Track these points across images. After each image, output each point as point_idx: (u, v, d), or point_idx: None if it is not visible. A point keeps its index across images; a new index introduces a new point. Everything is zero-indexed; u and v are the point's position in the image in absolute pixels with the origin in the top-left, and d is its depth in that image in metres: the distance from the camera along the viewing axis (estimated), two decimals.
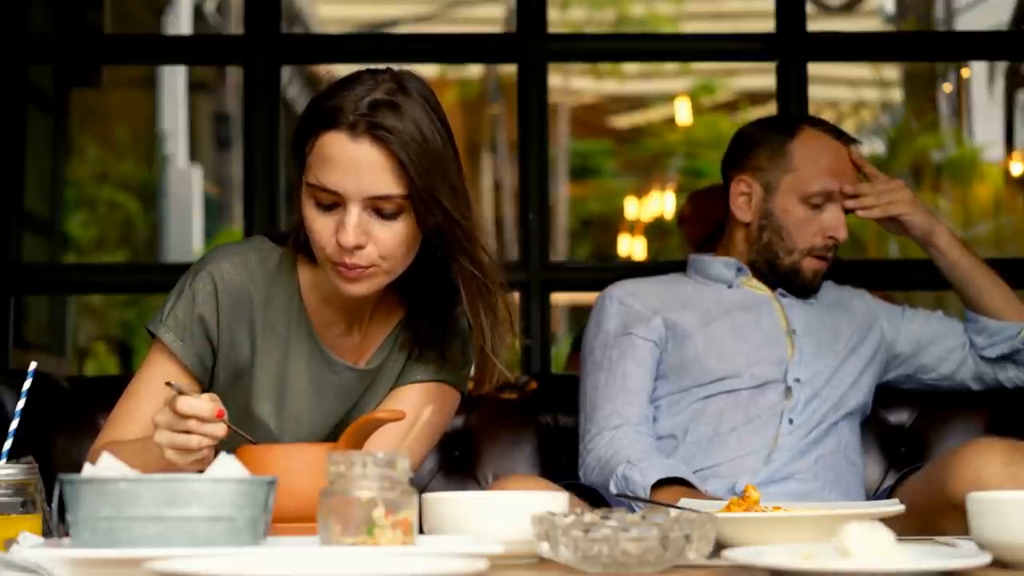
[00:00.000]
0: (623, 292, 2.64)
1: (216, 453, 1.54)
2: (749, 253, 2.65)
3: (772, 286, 2.65)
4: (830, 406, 2.56)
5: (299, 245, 2.00)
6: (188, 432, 1.71)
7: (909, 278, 3.60)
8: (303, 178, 1.91)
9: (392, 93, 1.86)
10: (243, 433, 1.81)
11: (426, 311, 2.02)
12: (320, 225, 1.89)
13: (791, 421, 2.52)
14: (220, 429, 1.72)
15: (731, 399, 2.54)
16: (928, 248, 2.68)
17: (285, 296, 2.02)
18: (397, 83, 1.88)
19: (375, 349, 2.05)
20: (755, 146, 2.67)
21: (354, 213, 1.85)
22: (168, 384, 1.77)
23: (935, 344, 2.71)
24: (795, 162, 2.61)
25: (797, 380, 2.55)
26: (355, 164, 1.85)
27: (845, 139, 2.66)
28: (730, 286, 2.65)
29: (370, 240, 1.87)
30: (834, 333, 2.63)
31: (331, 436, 2.03)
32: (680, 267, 2.77)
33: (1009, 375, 2.69)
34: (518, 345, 2.08)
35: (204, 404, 1.71)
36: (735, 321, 2.60)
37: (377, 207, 1.86)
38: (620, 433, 2.48)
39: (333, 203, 1.87)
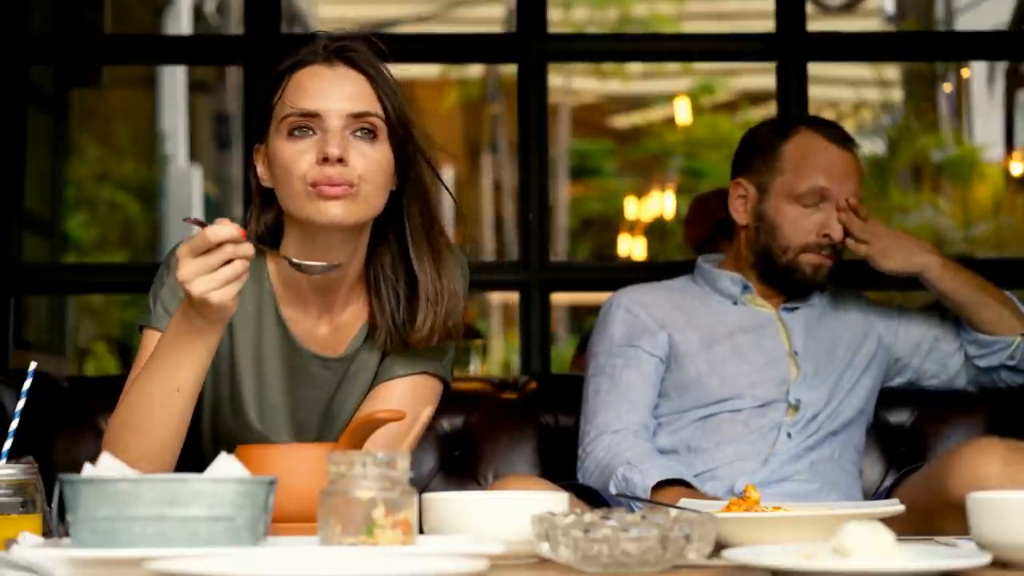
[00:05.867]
0: (630, 300, 2.64)
1: (214, 445, 1.54)
2: (750, 256, 2.65)
3: (779, 289, 2.64)
4: (826, 419, 2.56)
5: (259, 237, 2.00)
6: (228, 261, 1.72)
7: (909, 278, 3.60)
8: (269, 127, 1.94)
9: (350, 40, 1.97)
10: (262, 247, 1.84)
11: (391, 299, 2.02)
12: (295, 151, 1.91)
13: (789, 435, 2.52)
14: (250, 248, 1.74)
15: (732, 416, 2.54)
16: (920, 278, 2.65)
17: (255, 283, 2.01)
18: (352, 35, 1.99)
19: (348, 339, 2.05)
20: (752, 149, 2.68)
21: (336, 128, 1.90)
22: (187, 219, 1.78)
23: (934, 351, 2.71)
24: (786, 163, 2.61)
25: (799, 400, 2.55)
26: (335, 85, 1.92)
27: (842, 141, 2.63)
28: (735, 302, 2.65)
29: (350, 159, 1.90)
30: (831, 350, 2.62)
31: (316, 428, 2.04)
32: (682, 268, 2.77)
33: (1002, 376, 2.69)
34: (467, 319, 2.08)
35: (231, 227, 1.72)
36: (737, 342, 2.59)
37: (356, 129, 1.91)
38: (619, 437, 2.47)
39: (308, 130, 1.91)
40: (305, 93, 1.91)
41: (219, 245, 1.71)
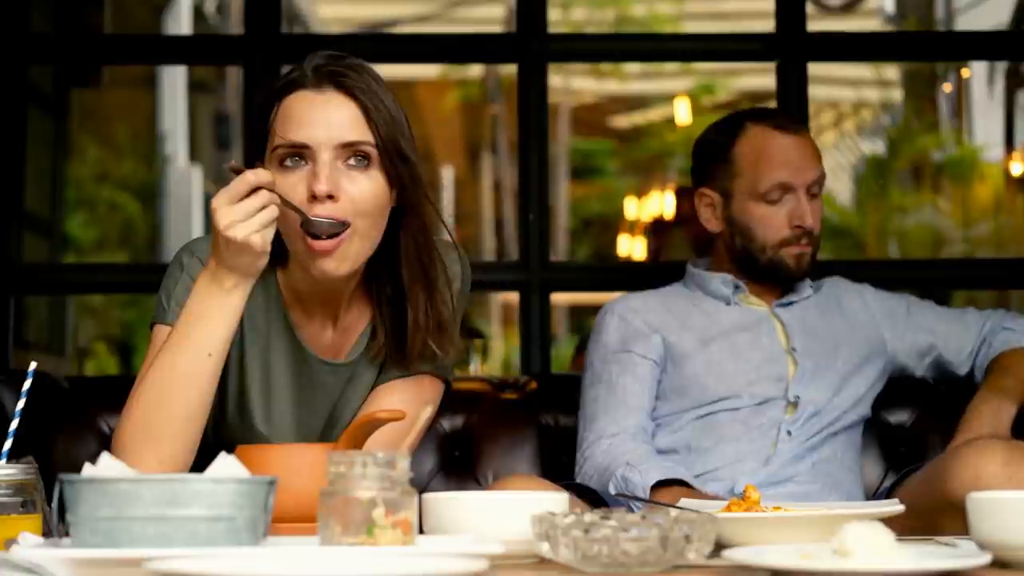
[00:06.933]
0: (623, 308, 2.65)
1: (217, 449, 1.54)
2: (731, 260, 2.65)
3: (770, 285, 2.64)
4: (828, 420, 2.56)
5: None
6: (264, 206, 1.77)
7: (909, 278, 3.60)
8: (267, 156, 1.92)
9: (344, 58, 1.94)
10: (293, 205, 1.84)
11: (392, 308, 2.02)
12: (287, 185, 1.88)
13: (789, 433, 2.52)
14: (277, 196, 1.79)
15: (730, 415, 2.54)
16: None
17: (264, 291, 2.01)
18: (345, 56, 1.95)
19: (351, 345, 2.05)
20: (706, 157, 2.68)
21: (325, 161, 1.87)
22: (230, 167, 1.80)
23: (942, 357, 2.70)
24: (741, 165, 2.60)
25: (798, 397, 2.55)
26: (323, 113, 1.89)
27: (790, 127, 2.61)
28: (728, 303, 2.65)
29: (342, 193, 1.87)
30: (834, 349, 2.62)
31: (319, 432, 2.04)
32: (682, 269, 2.77)
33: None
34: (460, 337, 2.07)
35: (266, 172, 1.78)
36: (734, 341, 2.59)
37: (347, 157, 1.88)
38: (618, 440, 2.48)
39: (300, 161, 1.88)
40: (295, 121, 1.88)
41: (256, 189, 1.76)
